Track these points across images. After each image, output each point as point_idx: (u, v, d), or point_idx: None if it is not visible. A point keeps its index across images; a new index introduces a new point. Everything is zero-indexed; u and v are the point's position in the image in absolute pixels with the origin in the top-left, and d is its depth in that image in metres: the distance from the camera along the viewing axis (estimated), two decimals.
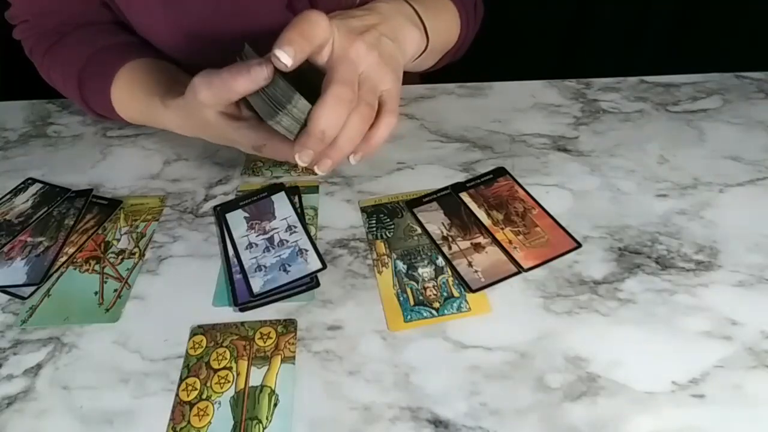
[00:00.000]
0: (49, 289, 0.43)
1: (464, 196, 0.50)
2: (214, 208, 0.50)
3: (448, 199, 0.50)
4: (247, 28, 0.58)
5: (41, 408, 0.36)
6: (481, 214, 0.48)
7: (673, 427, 0.34)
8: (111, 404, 0.36)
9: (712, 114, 0.59)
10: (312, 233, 0.46)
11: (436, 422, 0.34)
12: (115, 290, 0.43)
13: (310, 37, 0.35)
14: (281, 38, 0.34)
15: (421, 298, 0.41)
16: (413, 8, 0.48)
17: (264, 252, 0.44)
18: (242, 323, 0.40)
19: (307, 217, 0.48)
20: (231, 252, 0.45)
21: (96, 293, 0.43)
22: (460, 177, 0.52)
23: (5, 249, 0.46)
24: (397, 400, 0.36)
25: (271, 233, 0.46)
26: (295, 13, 0.56)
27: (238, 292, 0.42)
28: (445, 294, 0.42)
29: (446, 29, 0.55)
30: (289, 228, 0.46)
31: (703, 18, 1.15)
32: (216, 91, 0.37)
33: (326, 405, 0.35)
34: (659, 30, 1.19)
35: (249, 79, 0.35)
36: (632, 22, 1.18)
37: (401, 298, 0.41)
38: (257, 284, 0.42)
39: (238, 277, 0.43)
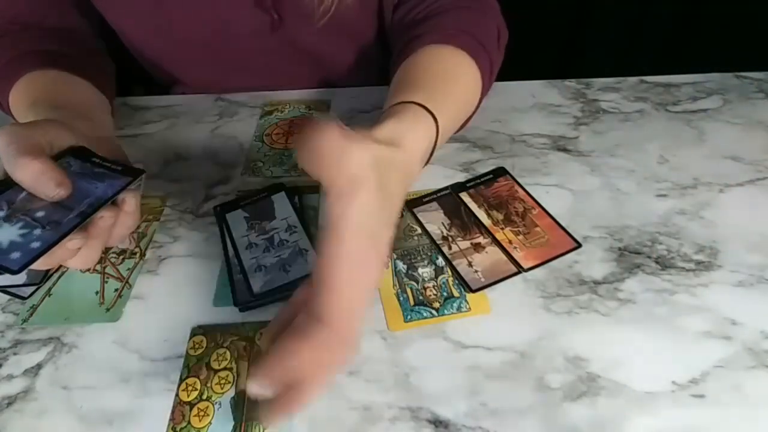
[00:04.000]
0: (50, 289, 0.43)
1: (464, 196, 0.50)
2: (214, 208, 0.49)
3: (448, 199, 0.50)
4: (221, 29, 0.58)
5: (41, 408, 0.36)
6: (481, 214, 0.48)
7: (673, 427, 0.34)
8: (111, 404, 0.36)
9: (712, 114, 0.59)
10: (312, 233, 0.46)
11: (436, 422, 0.34)
12: (116, 290, 0.43)
13: None
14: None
15: (421, 298, 0.41)
16: (425, 108, 0.41)
17: (264, 252, 0.44)
18: (243, 324, 0.40)
19: (307, 217, 0.48)
20: (231, 252, 0.45)
21: (97, 293, 0.43)
22: (460, 177, 0.52)
23: None
24: (397, 400, 0.36)
25: (271, 233, 0.46)
26: (263, 9, 0.56)
27: (238, 292, 0.42)
28: (445, 294, 0.42)
29: (464, 102, 0.50)
30: (289, 228, 0.46)
31: (703, 18, 1.15)
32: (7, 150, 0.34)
33: (326, 405, 0.35)
34: (659, 30, 1.19)
35: (30, 176, 0.33)
36: (632, 22, 1.18)
37: (401, 298, 0.42)
38: (257, 284, 0.42)
39: (238, 277, 0.43)
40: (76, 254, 0.34)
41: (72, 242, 0.33)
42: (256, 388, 0.29)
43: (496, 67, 0.54)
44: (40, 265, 0.32)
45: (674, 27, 1.18)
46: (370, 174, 0.31)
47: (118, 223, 0.36)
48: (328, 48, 0.64)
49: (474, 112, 0.53)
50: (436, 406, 0.35)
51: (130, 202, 0.37)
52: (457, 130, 0.53)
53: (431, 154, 0.44)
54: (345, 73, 0.67)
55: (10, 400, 0.37)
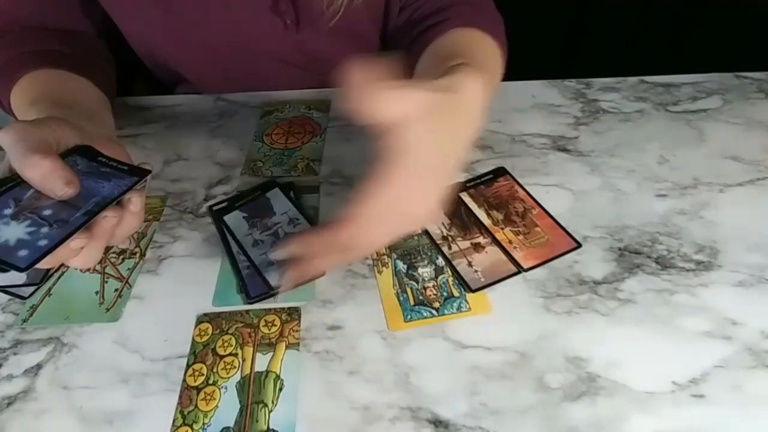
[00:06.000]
0: (50, 289, 0.43)
1: (464, 196, 0.49)
2: (209, 208, 0.49)
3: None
4: (234, 32, 0.59)
5: (41, 408, 0.36)
6: (481, 214, 0.48)
7: (673, 427, 0.34)
8: (111, 404, 0.36)
9: (712, 114, 0.59)
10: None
11: (436, 422, 0.34)
12: (116, 290, 0.43)
13: None
14: None
15: (421, 297, 0.41)
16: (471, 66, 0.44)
17: (272, 247, 0.45)
18: (247, 311, 0.41)
19: (308, 216, 0.48)
20: (236, 249, 0.45)
21: (97, 293, 0.43)
22: (460, 177, 0.52)
23: None
24: (397, 400, 0.36)
25: (275, 228, 0.46)
26: (278, 13, 0.57)
27: (250, 287, 0.42)
28: (445, 294, 0.42)
29: (497, 75, 0.52)
30: (292, 221, 0.47)
31: (703, 18, 1.15)
32: (16, 148, 0.34)
33: (326, 405, 0.36)
34: (659, 30, 1.19)
35: (41, 176, 0.33)
36: (632, 22, 1.18)
37: (401, 298, 0.42)
38: (274, 278, 0.42)
39: (247, 272, 0.43)
40: (78, 253, 0.35)
41: (75, 242, 0.33)
42: (279, 253, 0.37)
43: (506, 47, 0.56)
44: (42, 264, 0.32)
45: (674, 27, 1.17)
46: (420, 116, 0.33)
47: (122, 224, 0.36)
48: (336, 51, 0.64)
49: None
50: (436, 406, 0.35)
51: (135, 202, 0.37)
52: None
53: None
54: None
55: (10, 400, 0.37)
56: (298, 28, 0.59)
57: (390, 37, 0.63)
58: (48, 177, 0.33)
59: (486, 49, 0.52)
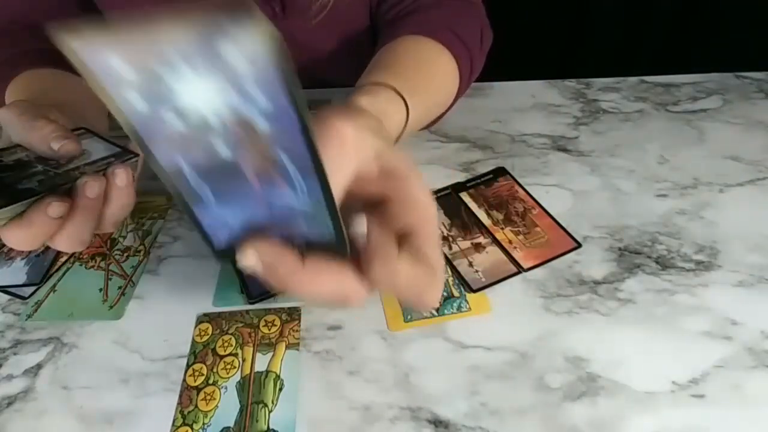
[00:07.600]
0: (54, 285, 0.43)
1: (464, 196, 0.50)
2: None
3: (448, 199, 0.50)
4: None
5: (41, 408, 0.36)
6: (481, 214, 0.48)
7: (673, 427, 0.34)
8: (111, 404, 0.36)
9: (712, 114, 0.59)
10: None
11: (436, 422, 0.34)
12: (120, 287, 0.43)
13: None
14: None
15: None
16: (396, 92, 0.41)
17: None
18: (247, 311, 0.41)
19: None
20: None
21: (101, 290, 0.43)
22: (460, 177, 0.52)
23: (5, 249, 0.46)
24: (397, 400, 0.36)
25: None
26: (267, 2, 0.57)
27: (251, 286, 0.43)
28: (445, 294, 0.42)
29: (439, 97, 0.49)
30: None
31: (703, 18, 1.15)
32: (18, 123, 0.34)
33: (326, 405, 0.36)
34: (659, 30, 1.19)
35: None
36: (632, 22, 1.18)
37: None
38: None
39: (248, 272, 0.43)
40: (57, 225, 0.30)
41: (52, 208, 0.29)
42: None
43: (476, 67, 0.54)
44: (21, 236, 0.29)
45: (674, 27, 1.18)
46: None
47: (110, 201, 0.32)
48: (324, 43, 0.63)
49: (448, 110, 0.53)
50: (436, 406, 0.35)
51: (120, 174, 0.32)
52: (429, 125, 0.53)
53: (397, 140, 0.42)
54: (339, 68, 0.66)
55: (10, 400, 0.37)
56: (285, 14, 0.59)
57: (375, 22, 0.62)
58: (47, 136, 0.33)
59: (431, 71, 0.48)
